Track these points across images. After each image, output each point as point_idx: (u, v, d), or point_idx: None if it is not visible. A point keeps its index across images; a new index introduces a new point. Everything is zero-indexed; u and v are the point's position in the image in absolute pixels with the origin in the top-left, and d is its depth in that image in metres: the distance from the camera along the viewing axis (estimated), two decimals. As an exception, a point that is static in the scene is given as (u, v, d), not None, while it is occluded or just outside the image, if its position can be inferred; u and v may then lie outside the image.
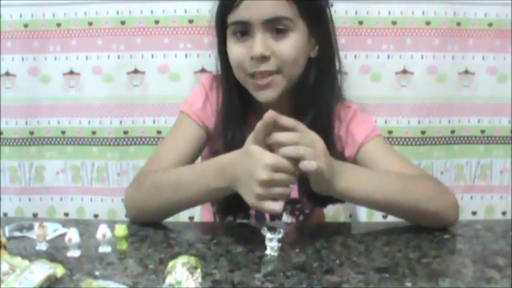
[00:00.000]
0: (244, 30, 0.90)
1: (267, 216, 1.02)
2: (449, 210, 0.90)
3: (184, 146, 0.98)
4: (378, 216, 1.61)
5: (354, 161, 0.98)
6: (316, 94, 0.95)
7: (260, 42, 0.88)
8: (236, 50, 0.92)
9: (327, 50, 0.97)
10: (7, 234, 0.82)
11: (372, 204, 0.88)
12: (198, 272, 0.62)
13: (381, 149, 0.97)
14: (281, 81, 0.92)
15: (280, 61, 0.90)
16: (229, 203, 0.98)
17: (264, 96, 0.92)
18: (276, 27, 0.89)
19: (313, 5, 0.93)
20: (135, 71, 1.58)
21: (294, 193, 1.00)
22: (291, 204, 1.02)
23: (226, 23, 0.92)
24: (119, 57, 1.58)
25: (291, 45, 0.90)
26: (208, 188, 0.84)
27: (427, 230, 0.88)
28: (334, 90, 0.98)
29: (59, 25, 1.57)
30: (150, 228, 0.89)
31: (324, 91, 0.95)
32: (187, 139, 0.99)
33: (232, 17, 0.91)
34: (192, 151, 0.99)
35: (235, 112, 0.97)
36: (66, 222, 0.91)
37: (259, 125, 0.76)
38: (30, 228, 0.86)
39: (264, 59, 0.89)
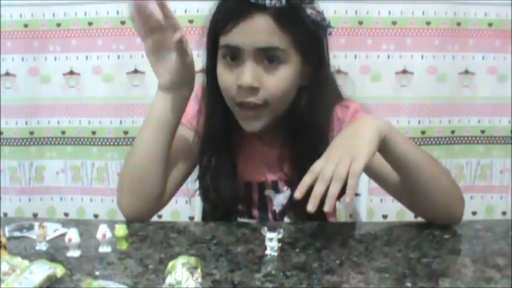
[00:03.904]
0: (235, 55, 0.88)
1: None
2: (460, 200, 0.90)
3: (176, 149, 0.96)
4: (378, 216, 1.62)
5: None
6: (309, 122, 0.93)
7: (250, 72, 0.86)
8: (225, 76, 0.89)
9: (319, 77, 0.94)
10: (7, 234, 0.82)
11: (405, 164, 0.85)
12: (198, 272, 0.62)
13: None
14: (267, 114, 0.90)
15: (268, 95, 0.88)
16: (221, 213, 0.98)
17: (249, 127, 0.92)
18: (267, 56, 0.87)
19: (309, 37, 0.90)
20: (135, 71, 1.58)
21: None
22: (291, 210, 1.02)
23: (218, 43, 0.90)
24: (118, 57, 1.58)
25: (281, 80, 0.88)
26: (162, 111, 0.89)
27: (427, 230, 0.88)
28: (328, 116, 0.96)
29: (59, 25, 1.57)
30: (150, 228, 0.89)
31: (317, 119, 0.93)
32: (179, 143, 0.97)
33: (224, 40, 0.88)
34: (185, 154, 0.98)
35: (219, 133, 0.96)
36: (66, 222, 0.91)
37: None
38: (30, 228, 0.86)
39: (252, 89, 0.86)
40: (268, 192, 1.01)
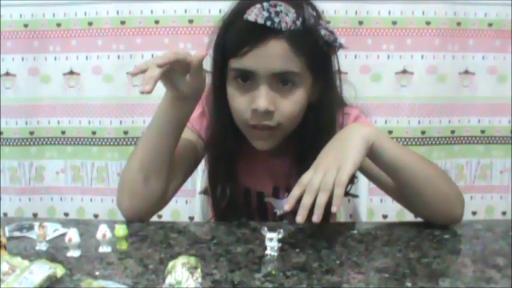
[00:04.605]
0: (247, 77, 0.87)
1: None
2: (458, 199, 0.90)
3: (178, 150, 0.96)
4: (378, 216, 1.62)
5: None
6: (316, 138, 0.93)
7: (265, 96, 0.85)
8: (237, 99, 0.88)
9: (328, 94, 0.94)
10: (7, 234, 0.82)
11: (395, 169, 0.86)
12: (198, 272, 0.62)
13: None
14: (280, 134, 0.91)
15: (282, 118, 0.88)
16: (231, 211, 0.98)
17: (260, 146, 0.92)
18: (282, 80, 0.86)
19: (321, 57, 0.89)
20: (135, 71, 1.58)
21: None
22: (293, 214, 1.02)
23: (227, 64, 0.88)
24: (118, 57, 1.58)
25: (296, 102, 0.88)
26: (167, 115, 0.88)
27: (427, 230, 0.88)
28: (334, 127, 0.95)
29: (59, 25, 1.57)
30: (150, 228, 0.89)
31: (324, 132, 0.93)
32: (181, 145, 0.96)
33: (237, 63, 0.86)
34: (186, 155, 0.97)
35: (223, 143, 0.95)
36: (66, 222, 0.91)
37: None
38: (30, 228, 0.86)
39: (267, 113, 0.86)
40: (268, 199, 1.01)
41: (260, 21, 0.82)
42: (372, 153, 0.84)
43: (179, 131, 0.91)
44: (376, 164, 0.87)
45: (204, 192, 1.13)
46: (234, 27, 0.87)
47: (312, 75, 0.89)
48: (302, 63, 0.86)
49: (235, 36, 0.87)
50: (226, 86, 0.91)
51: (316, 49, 0.87)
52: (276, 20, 0.82)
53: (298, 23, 0.84)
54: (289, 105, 0.88)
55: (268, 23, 0.82)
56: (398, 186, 0.90)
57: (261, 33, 0.83)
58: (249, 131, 0.91)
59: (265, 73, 0.85)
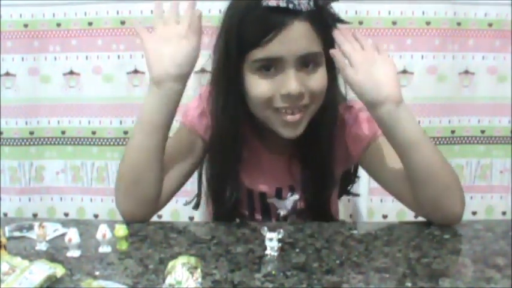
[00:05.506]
0: (270, 65, 0.87)
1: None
2: (460, 199, 0.90)
3: (176, 150, 0.96)
4: (378, 216, 1.62)
5: (361, 159, 0.97)
6: (317, 137, 0.93)
7: (295, 80, 0.86)
8: (263, 87, 0.87)
9: (331, 74, 0.93)
10: (7, 234, 0.82)
11: (409, 149, 0.86)
12: (198, 272, 0.62)
13: (387, 147, 0.95)
14: (308, 116, 0.91)
15: (312, 96, 0.88)
16: (228, 211, 0.98)
17: (290, 133, 0.91)
18: (306, 61, 0.87)
19: (331, 36, 0.91)
20: (135, 71, 1.58)
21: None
22: (296, 214, 1.02)
23: (243, 59, 0.88)
24: (118, 57, 1.58)
25: (321, 80, 0.89)
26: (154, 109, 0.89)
27: (427, 230, 0.88)
28: (335, 116, 0.96)
29: (59, 25, 1.57)
30: (150, 228, 0.89)
31: (326, 133, 0.94)
32: (179, 145, 0.96)
33: (260, 53, 0.86)
34: (185, 155, 0.97)
35: (229, 143, 0.95)
36: (66, 222, 0.91)
37: None
38: (30, 228, 0.86)
39: (299, 95, 0.87)
40: (271, 200, 1.01)
41: (282, 4, 0.83)
42: (387, 128, 0.86)
43: (167, 125, 0.90)
44: (389, 140, 0.88)
45: (195, 206, 1.11)
46: (251, 18, 0.86)
47: (326, 55, 0.90)
48: (320, 43, 0.88)
49: (256, 25, 0.86)
50: (237, 81, 0.90)
51: (328, 27, 0.90)
52: (296, 1, 0.84)
53: (312, 3, 0.86)
54: (316, 83, 0.89)
55: (291, 6, 0.84)
56: (406, 168, 0.89)
57: (284, 17, 0.84)
58: (277, 118, 0.90)
59: (291, 57, 0.86)
